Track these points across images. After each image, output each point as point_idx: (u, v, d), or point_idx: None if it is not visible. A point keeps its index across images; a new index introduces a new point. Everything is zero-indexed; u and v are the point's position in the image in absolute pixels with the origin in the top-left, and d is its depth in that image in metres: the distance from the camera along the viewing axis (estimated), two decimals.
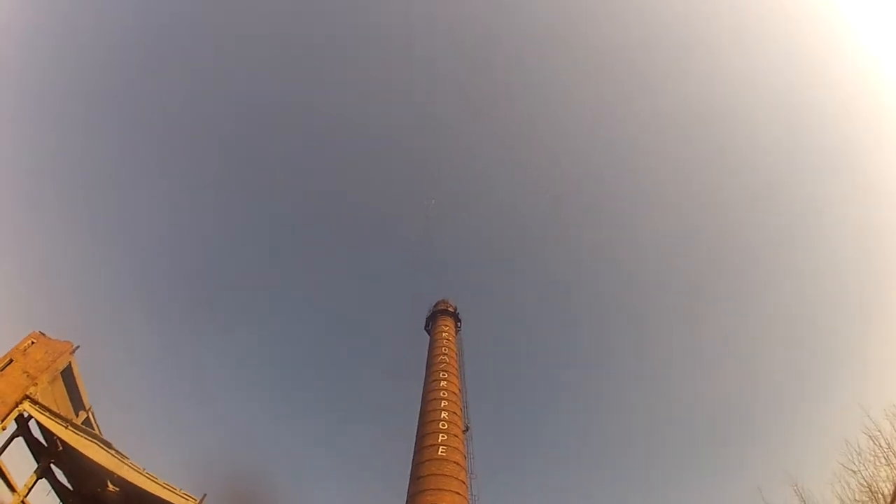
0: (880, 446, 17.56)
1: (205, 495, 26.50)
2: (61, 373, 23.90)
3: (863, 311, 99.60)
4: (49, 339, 23.46)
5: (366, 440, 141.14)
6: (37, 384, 21.65)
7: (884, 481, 16.97)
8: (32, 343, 22.60)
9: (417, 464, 46.08)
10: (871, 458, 17.60)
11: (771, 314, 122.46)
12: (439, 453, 45.75)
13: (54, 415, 21.94)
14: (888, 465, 17.09)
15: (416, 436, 50.19)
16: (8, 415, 20.64)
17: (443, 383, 55.26)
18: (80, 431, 22.91)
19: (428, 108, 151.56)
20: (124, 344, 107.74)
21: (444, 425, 49.09)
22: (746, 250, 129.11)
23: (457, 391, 55.59)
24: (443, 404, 51.96)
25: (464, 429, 51.25)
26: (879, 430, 17.97)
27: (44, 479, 22.48)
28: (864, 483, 17.42)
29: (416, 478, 44.40)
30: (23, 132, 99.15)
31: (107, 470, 22.93)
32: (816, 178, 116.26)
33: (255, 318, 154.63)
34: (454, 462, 45.27)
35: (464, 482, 44.53)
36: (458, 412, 52.57)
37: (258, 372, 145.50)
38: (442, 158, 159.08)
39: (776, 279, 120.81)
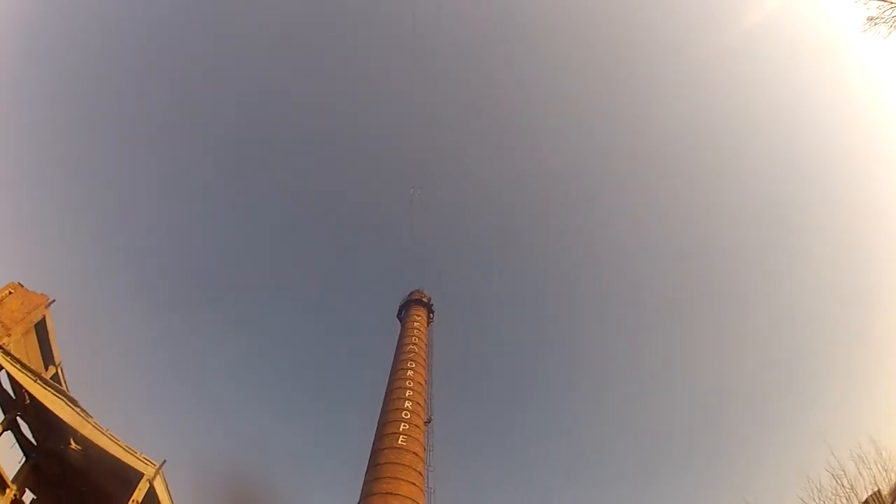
0: (842, 486, 18.09)
1: (164, 461, 26.41)
2: (35, 325, 23.51)
3: (838, 345, 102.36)
4: (26, 290, 23.04)
5: (355, 433, 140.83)
6: (10, 335, 21.28)
7: None
8: (10, 293, 22.16)
9: (376, 450, 46.39)
10: (832, 497, 18.16)
11: (746, 338, 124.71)
12: (399, 442, 46.10)
13: (25, 367, 21.60)
14: None
15: (378, 423, 50.49)
16: None
17: (409, 373, 55.55)
18: (49, 386, 22.60)
19: (417, 104, 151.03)
20: (122, 343, 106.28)
21: (406, 415, 49.44)
22: (727, 277, 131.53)
23: (423, 382, 55.98)
24: (407, 394, 52.26)
25: (426, 420, 51.73)
26: (843, 470, 18.33)
27: (9, 431, 22.15)
28: None
29: (374, 465, 44.75)
30: (20, 130, 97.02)
31: (71, 427, 22.68)
32: (812, 184, 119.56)
33: (243, 314, 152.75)
34: (413, 452, 45.74)
35: (421, 473, 45.08)
36: (422, 403, 53.00)
37: (248, 370, 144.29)
38: (426, 153, 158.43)
39: (754, 306, 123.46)
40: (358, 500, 42.70)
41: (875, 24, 23.02)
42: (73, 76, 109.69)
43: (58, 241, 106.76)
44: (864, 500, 17.66)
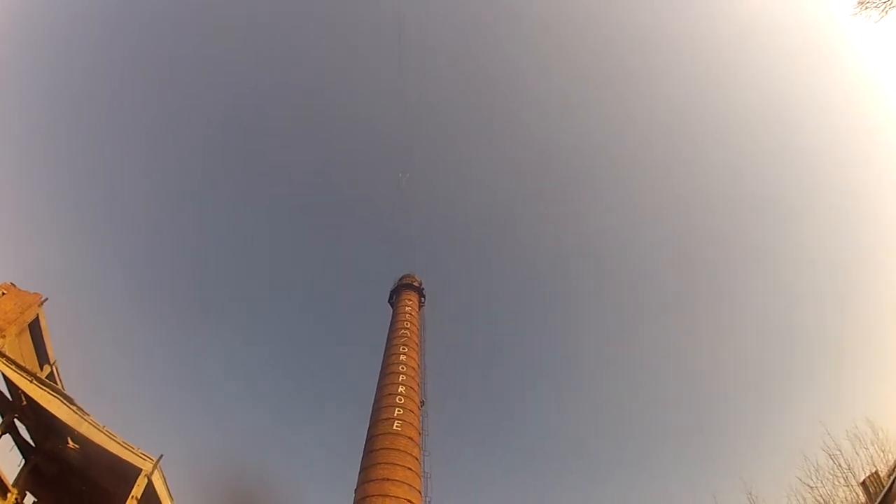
0: (839, 466, 18.27)
1: (161, 455, 26.32)
2: (29, 325, 23.11)
3: (836, 326, 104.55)
4: (19, 290, 22.58)
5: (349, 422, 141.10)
6: (5, 336, 20.90)
7: (841, 502, 17.83)
8: (2, 294, 21.70)
9: (372, 437, 46.64)
10: (830, 477, 18.32)
11: (743, 321, 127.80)
12: (394, 428, 46.40)
13: (20, 368, 21.24)
14: (846, 485, 17.85)
15: (372, 409, 50.67)
16: None
17: (402, 357, 55.59)
18: (44, 385, 22.28)
19: (405, 91, 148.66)
20: (118, 342, 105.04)
21: (400, 399, 49.66)
22: (724, 259, 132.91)
23: (415, 366, 56.08)
24: (400, 378, 52.39)
25: (419, 403, 51.94)
26: (840, 450, 18.54)
27: (7, 434, 21.89)
28: (821, 499, 18.29)
29: (370, 451, 45.02)
30: (17, 130, 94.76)
31: (67, 426, 22.43)
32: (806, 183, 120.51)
33: (230, 303, 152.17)
34: (408, 437, 46.09)
35: (417, 458, 45.48)
36: (416, 387, 53.21)
37: (244, 366, 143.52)
38: (416, 139, 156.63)
39: (751, 288, 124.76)
40: (355, 486, 43.06)
41: (866, 7, 22.71)
42: (69, 75, 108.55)
43: (52, 239, 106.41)
44: (861, 481, 17.70)
